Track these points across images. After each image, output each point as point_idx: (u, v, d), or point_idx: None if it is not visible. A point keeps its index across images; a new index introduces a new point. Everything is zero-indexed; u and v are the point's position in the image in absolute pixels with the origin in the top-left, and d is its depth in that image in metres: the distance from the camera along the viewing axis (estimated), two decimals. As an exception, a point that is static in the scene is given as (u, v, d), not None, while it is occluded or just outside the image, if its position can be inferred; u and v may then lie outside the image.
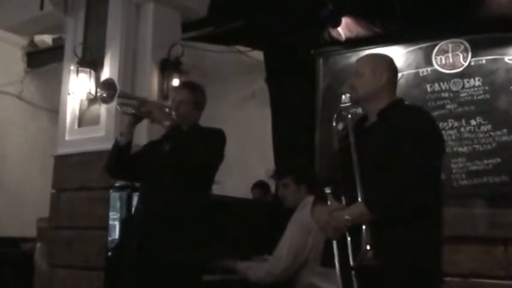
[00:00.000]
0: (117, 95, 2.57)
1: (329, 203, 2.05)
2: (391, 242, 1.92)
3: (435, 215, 2.02)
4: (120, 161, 2.73)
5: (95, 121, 3.99)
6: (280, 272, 2.92)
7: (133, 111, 2.65)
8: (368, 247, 1.87)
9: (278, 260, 2.95)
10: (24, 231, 5.14)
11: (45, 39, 5.70)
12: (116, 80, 3.86)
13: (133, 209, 3.07)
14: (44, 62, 5.72)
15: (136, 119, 2.69)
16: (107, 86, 2.62)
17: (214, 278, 3.10)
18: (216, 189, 5.16)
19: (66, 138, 4.14)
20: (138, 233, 2.62)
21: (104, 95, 2.60)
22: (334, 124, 2.20)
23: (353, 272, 1.99)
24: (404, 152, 1.94)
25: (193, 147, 2.60)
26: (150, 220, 2.59)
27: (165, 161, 2.63)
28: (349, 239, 1.98)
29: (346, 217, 1.94)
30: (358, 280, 1.99)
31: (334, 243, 2.06)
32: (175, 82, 4.10)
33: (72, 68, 4.06)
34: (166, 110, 2.68)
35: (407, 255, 1.93)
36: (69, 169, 4.05)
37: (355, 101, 2.27)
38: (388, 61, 2.26)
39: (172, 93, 2.80)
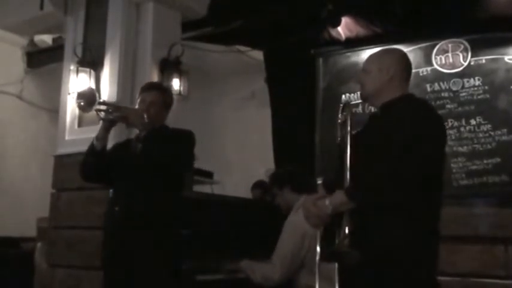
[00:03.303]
0: (96, 103, 2.70)
1: (318, 192, 2.07)
2: (370, 231, 1.92)
3: (424, 212, 1.98)
4: (96, 165, 2.79)
5: (95, 121, 3.95)
6: (278, 278, 2.94)
7: (110, 117, 2.72)
8: (346, 233, 1.86)
9: (275, 266, 2.96)
10: (24, 231, 5.14)
11: (45, 39, 5.70)
12: (116, 80, 3.93)
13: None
14: (44, 62, 5.71)
15: (111, 124, 2.76)
16: (86, 96, 2.71)
17: (214, 277, 3.11)
18: (216, 189, 5.20)
19: (66, 138, 4.14)
20: (114, 234, 2.68)
21: (82, 103, 2.70)
22: (339, 116, 2.19)
23: (335, 262, 1.99)
24: (391, 145, 1.93)
25: (165, 149, 2.68)
26: (126, 221, 2.64)
27: (138, 161, 2.70)
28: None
29: (326, 204, 1.95)
30: (340, 269, 1.99)
31: (318, 233, 2.06)
32: (175, 82, 4.11)
33: (72, 67, 4.06)
34: (139, 113, 2.74)
35: (384, 245, 1.92)
36: (69, 169, 4.04)
37: (364, 98, 2.29)
38: (396, 55, 2.24)
39: (141, 95, 2.86)
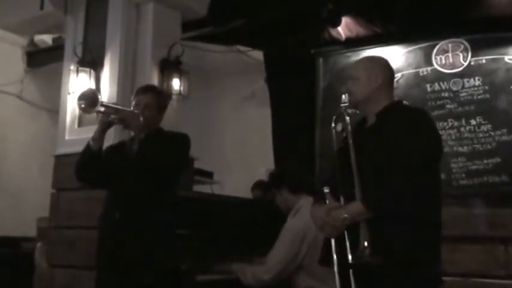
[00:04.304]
0: (99, 104, 2.66)
1: (327, 202, 2.08)
2: (389, 240, 1.94)
3: (432, 215, 2.04)
4: (92, 166, 2.78)
5: (95, 121, 3.96)
6: (269, 279, 2.95)
7: (109, 119, 2.72)
8: (366, 244, 1.89)
9: (267, 268, 2.97)
10: (24, 231, 5.14)
11: (45, 39, 5.69)
12: (116, 80, 3.93)
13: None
14: (44, 62, 5.71)
15: (109, 125, 2.76)
16: (87, 97, 2.69)
17: (214, 277, 3.11)
18: (216, 189, 5.20)
19: (66, 138, 4.14)
20: (114, 238, 2.67)
21: (83, 105, 2.69)
22: (333, 125, 2.23)
23: (351, 270, 2.01)
24: (402, 154, 1.96)
25: (162, 152, 2.70)
26: (127, 225, 2.64)
27: (137, 165, 2.70)
28: (347, 237, 2.00)
29: (344, 215, 1.97)
30: (356, 278, 2.00)
31: (333, 241, 2.08)
32: (175, 82, 4.11)
33: (72, 67, 4.06)
34: (137, 115, 2.75)
35: (404, 254, 1.95)
36: (69, 169, 4.01)
37: (353, 105, 2.30)
38: (383, 63, 2.28)
39: (136, 97, 2.86)
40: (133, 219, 2.64)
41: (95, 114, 2.77)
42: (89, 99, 2.69)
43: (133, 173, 2.70)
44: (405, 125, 2.05)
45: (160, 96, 2.93)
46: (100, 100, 2.67)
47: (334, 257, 2.07)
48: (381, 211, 1.95)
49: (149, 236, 2.63)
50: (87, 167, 2.80)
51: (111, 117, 2.71)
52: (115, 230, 2.67)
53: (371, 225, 1.93)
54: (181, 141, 2.82)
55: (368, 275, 1.98)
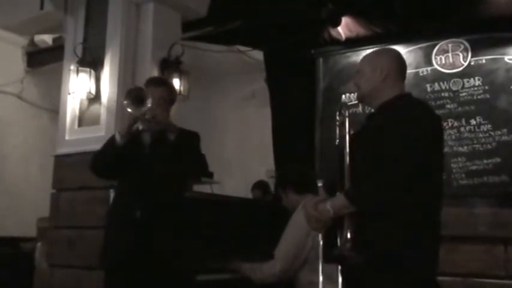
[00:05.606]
0: (149, 103, 2.55)
1: (319, 195, 2.07)
2: (371, 233, 1.91)
3: (425, 212, 1.97)
4: (113, 159, 2.71)
5: (95, 121, 3.98)
6: (279, 273, 2.95)
7: (147, 117, 2.64)
8: (348, 237, 1.86)
9: (277, 261, 2.97)
10: (24, 231, 5.14)
11: (45, 39, 5.69)
12: (116, 80, 3.93)
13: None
14: (44, 61, 5.71)
15: (136, 121, 2.68)
16: (134, 95, 2.60)
17: (214, 277, 3.11)
18: (216, 189, 5.20)
19: (66, 138, 4.13)
20: (130, 234, 2.62)
21: (130, 106, 2.57)
22: (337, 116, 2.19)
23: (338, 265, 1.99)
24: (391, 146, 1.90)
25: (198, 161, 2.73)
26: (149, 225, 2.60)
27: (152, 160, 2.68)
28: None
29: (327, 208, 1.94)
30: (342, 272, 1.99)
31: (320, 236, 2.06)
32: (176, 82, 4.11)
33: (72, 67, 4.05)
34: (163, 111, 2.72)
35: (387, 253, 1.90)
36: (69, 169, 4.05)
37: (360, 99, 2.26)
38: (390, 55, 2.22)
39: (149, 89, 2.72)
40: (154, 219, 2.60)
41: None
42: (136, 99, 2.58)
43: (149, 168, 2.67)
44: (398, 118, 1.98)
45: (172, 90, 2.91)
46: (149, 98, 2.56)
47: (320, 251, 2.05)
48: (362, 204, 1.90)
49: (166, 236, 2.62)
50: (108, 160, 2.72)
51: (148, 114, 2.62)
52: (134, 230, 2.60)
53: (355, 219, 1.88)
54: (198, 142, 2.82)
55: (357, 273, 1.94)
